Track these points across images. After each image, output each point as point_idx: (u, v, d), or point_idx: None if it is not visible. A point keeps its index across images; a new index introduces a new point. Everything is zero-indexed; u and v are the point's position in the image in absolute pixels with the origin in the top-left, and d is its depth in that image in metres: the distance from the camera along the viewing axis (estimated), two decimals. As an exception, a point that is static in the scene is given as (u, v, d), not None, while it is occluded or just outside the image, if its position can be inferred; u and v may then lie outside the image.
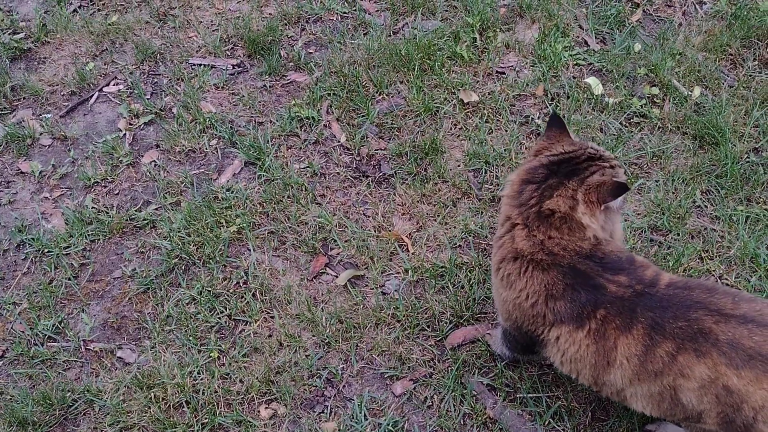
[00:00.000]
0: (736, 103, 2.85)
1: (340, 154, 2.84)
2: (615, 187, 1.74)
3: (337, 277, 2.49)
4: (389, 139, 2.88)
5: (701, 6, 3.29)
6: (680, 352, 1.63)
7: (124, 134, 2.98)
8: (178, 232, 2.59)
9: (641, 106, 2.86)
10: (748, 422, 1.59)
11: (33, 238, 2.63)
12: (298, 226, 2.62)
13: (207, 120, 2.96)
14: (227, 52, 3.25)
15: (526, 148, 2.79)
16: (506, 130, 2.85)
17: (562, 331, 1.77)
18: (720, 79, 2.95)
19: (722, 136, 2.70)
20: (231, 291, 2.46)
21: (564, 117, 2.85)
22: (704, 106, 2.85)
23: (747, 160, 2.67)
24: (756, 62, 3.01)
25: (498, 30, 3.20)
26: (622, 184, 1.74)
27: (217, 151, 2.89)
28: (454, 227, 2.59)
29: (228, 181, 2.78)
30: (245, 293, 2.45)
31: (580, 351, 1.76)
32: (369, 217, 2.65)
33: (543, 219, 1.77)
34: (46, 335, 2.40)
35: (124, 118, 3.03)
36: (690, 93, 2.89)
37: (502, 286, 1.86)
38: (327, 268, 2.52)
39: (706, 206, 2.58)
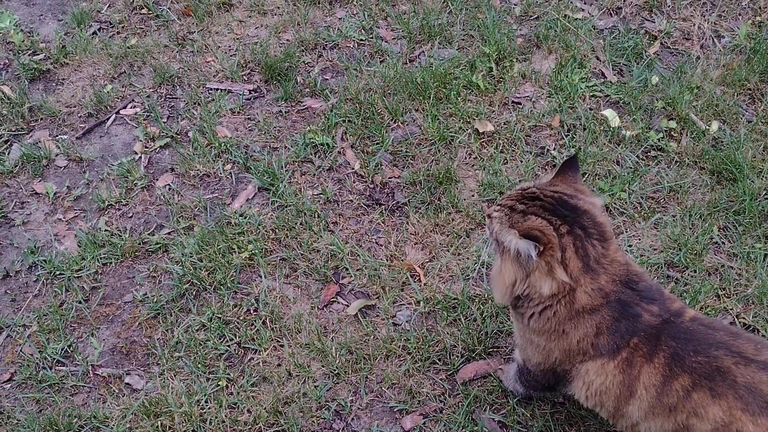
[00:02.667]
0: (755, 138, 2.82)
1: (354, 182, 2.84)
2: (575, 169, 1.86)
3: (348, 306, 2.47)
4: (403, 168, 2.87)
5: (719, 40, 3.27)
6: (696, 388, 1.60)
7: (140, 157, 2.99)
8: (190, 257, 2.59)
9: (658, 139, 2.84)
10: None
11: (45, 260, 2.63)
12: (310, 253, 2.60)
13: (222, 145, 2.96)
14: (244, 77, 3.27)
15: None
16: (521, 161, 2.83)
17: (597, 364, 1.73)
18: (738, 114, 2.92)
19: (740, 171, 2.66)
20: (241, 318, 2.44)
21: (580, 149, 2.83)
22: (722, 141, 2.82)
23: (765, 196, 2.63)
24: (775, 97, 2.99)
25: (514, 60, 3.20)
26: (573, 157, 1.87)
27: (231, 176, 2.89)
28: (468, 258, 2.57)
29: (241, 206, 2.77)
30: (255, 321, 2.43)
31: (607, 382, 1.73)
32: (381, 245, 2.63)
33: (607, 250, 1.70)
34: (54, 359, 2.39)
35: (140, 141, 3.04)
36: (708, 127, 2.86)
37: (549, 340, 1.80)
38: (338, 297, 2.50)
39: (723, 243, 2.54)
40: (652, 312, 1.70)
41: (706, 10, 3.39)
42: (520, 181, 2.75)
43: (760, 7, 3.38)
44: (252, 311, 2.46)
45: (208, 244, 2.61)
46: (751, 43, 3.19)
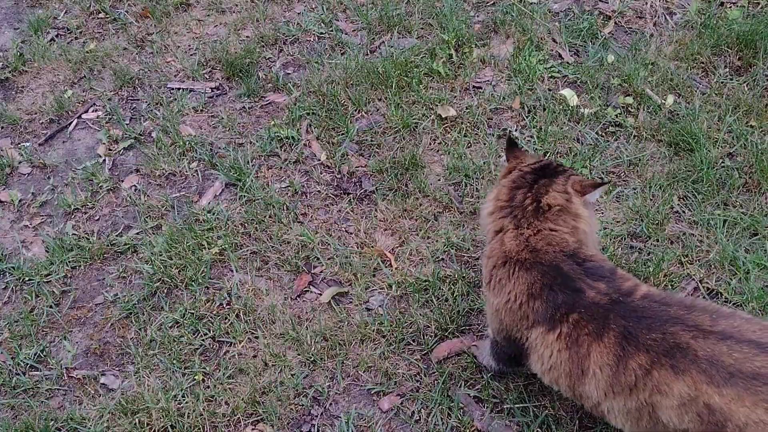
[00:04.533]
0: (709, 109, 2.90)
1: (321, 173, 2.86)
2: (595, 183, 1.88)
3: (320, 294, 2.48)
4: (369, 156, 2.90)
5: (671, 16, 3.35)
6: (655, 366, 1.61)
7: (104, 160, 2.97)
8: (160, 255, 2.58)
9: (616, 115, 2.91)
10: None
11: (13, 267, 2.61)
12: (281, 245, 2.62)
13: (186, 143, 2.96)
14: (205, 75, 3.27)
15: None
16: (485, 143, 2.88)
17: (539, 333, 1.78)
18: (692, 87, 3.00)
19: (697, 142, 2.74)
20: (214, 313, 2.44)
21: (541, 129, 2.88)
22: (678, 114, 2.90)
23: (722, 165, 2.71)
24: (727, 69, 3.07)
25: (473, 46, 3.25)
26: (601, 181, 1.88)
27: (197, 174, 2.89)
28: (437, 241, 2.60)
29: (209, 203, 2.78)
30: (228, 314, 2.43)
31: (554, 357, 1.77)
32: (351, 233, 2.66)
33: (538, 215, 1.84)
34: (28, 364, 2.37)
35: (104, 143, 3.03)
36: (663, 101, 2.93)
37: (494, 293, 1.88)
38: (310, 287, 2.52)
39: (683, 212, 2.61)
40: (599, 290, 1.73)
41: (657, -12, 3.47)
42: (484, 163, 2.79)
43: (708, -16, 3.47)
44: (225, 305, 2.47)
45: (177, 242, 2.61)
46: (702, 18, 3.27)
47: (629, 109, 2.95)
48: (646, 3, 3.41)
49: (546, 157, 1.99)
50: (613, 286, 1.74)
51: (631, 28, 3.33)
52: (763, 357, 1.53)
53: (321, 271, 2.55)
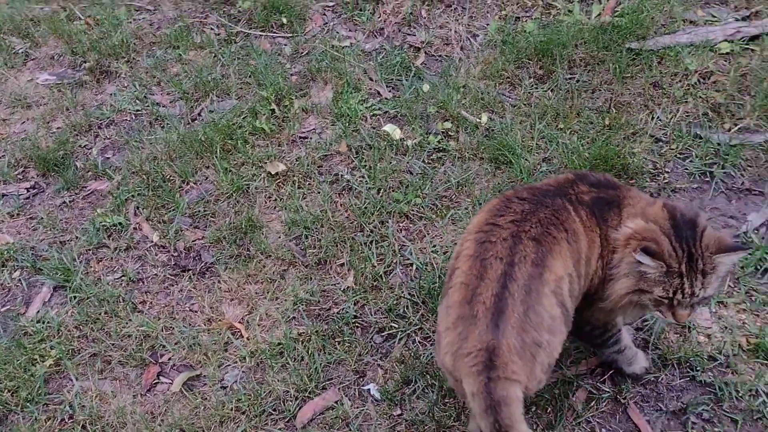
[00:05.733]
0: (521, 120, 3.05)
1: (156, 254, 2.74)
2: (649, 248, 1.75)
3: (171, 383, 2.36)
4: (205, 227, 2.82)
5: (475, 38, 3.53)
6: (510, 224, 1.88)
7: None
8: (-13, 381, 2.36)
9: (438, 141, 3.00)
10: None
11: None
12: (122, 340, 2.47)
13: (5, 253, 2.75)
14: (18, 176, 3.08)
15: (341, 206, 2.82)
16: (319, 192, 2.88)
17: None
18: (503, 102, 3.15)
19: (513, 153, 2.87)
20: (57, 431, 2.25)
21: (371, 168, 2.92)
22: (494, 130, 3.03)
23: (540, 170, 2.85)
24: (531, 80, 3.25)
25: (293, 97, 3.26)
26: (651, 249, 1.75)
27: (21, 283, 2.69)
28: (285, 300, 2.55)
29: (38, 311, 2.58)
30: (73, 428, 2.25)
31: None
32: (196, 311, 2.56)
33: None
34: None
35: None
36: (479, 120, 3.06)
37: None
38: (160, 377, 2.38)
39: (514, 221, 2.71)
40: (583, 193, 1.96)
41: (459, 14, 3.65)
42: (321, 212, 2.78)
43: (503, 2, 3.69)
44: (68, 419, 2.29)
45: (6, 362, 2.40)
46: (502, 35, 3.46)
47: (449, 133, 3.06)
48: (450, 29, 3.58)
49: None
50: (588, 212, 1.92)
51: (440, 55, 3.47)
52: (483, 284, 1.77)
53: (169, 359, 2.43)
